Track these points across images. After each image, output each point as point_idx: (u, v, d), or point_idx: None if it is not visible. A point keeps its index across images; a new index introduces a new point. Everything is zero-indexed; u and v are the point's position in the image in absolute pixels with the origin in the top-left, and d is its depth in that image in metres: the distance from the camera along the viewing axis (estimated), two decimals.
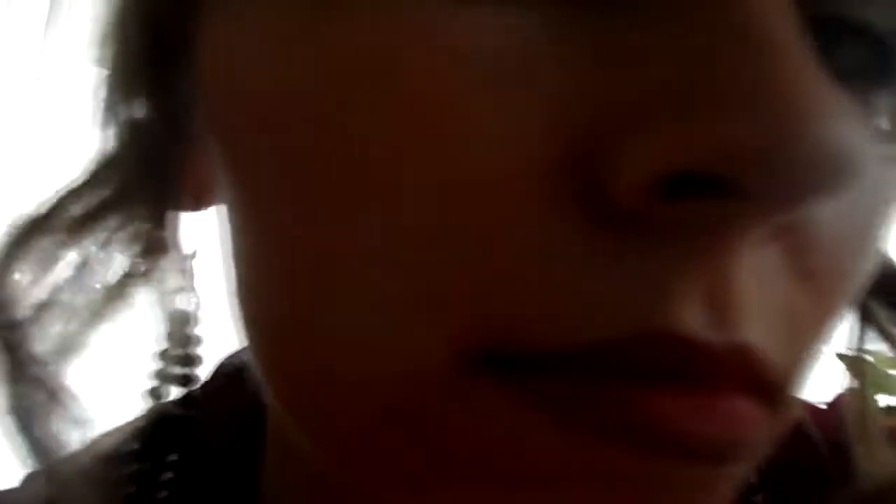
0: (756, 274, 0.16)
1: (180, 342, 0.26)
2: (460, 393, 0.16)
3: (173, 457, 0.28)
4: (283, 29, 0.17)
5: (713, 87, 0.15)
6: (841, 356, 0.49)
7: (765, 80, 0.15)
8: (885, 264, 0.27)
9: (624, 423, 0.16)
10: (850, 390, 0.38)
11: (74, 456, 0.26)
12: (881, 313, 0.28)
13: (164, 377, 0.27)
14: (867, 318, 0.28)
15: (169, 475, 0.28)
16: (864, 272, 0.20)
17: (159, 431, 0.28)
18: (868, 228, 0.19)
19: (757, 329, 0.16)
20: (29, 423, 0.25)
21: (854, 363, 0.34)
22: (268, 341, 0.19)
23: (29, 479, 0.29)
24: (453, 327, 0.16)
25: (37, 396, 0.25)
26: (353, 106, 0.16)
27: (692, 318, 0.16)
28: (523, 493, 0.17)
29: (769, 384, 0.17)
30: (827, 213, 0.17)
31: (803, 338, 0.18)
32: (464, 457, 0.17)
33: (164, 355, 0.26)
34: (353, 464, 0.19)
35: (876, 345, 0.30)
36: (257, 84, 0.18)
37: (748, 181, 0.15)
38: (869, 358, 0.33)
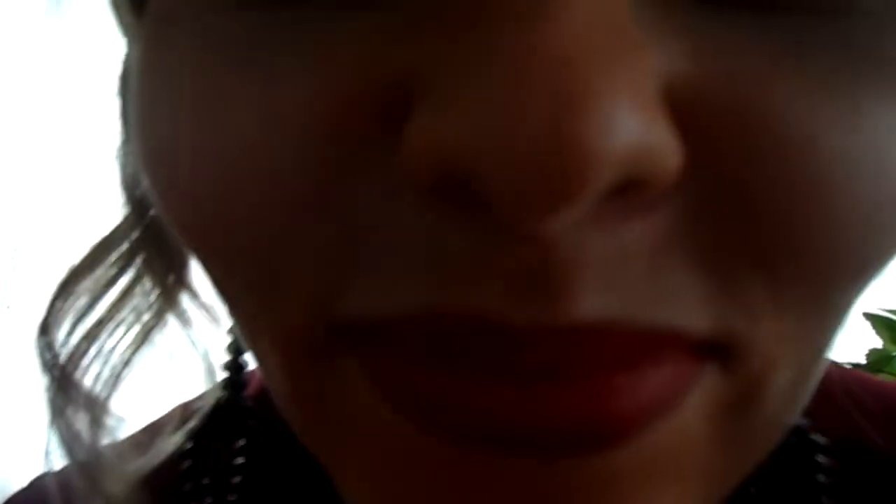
0: (611, 236, 0.14)
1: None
2: (322, 357, 0.16)
3: (241, 442, 0.28)
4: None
5: (447, 63, 0.12)
6: (868, 315, 0.51)
7: (489, 49, 0.12)
8: None
9: (431, 411, 0.15)
10: (875, 350, 0.40)
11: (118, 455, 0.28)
12: None
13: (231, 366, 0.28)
14: None
15: (240, 460, 0.27)
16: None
17: (221, 420, 0.28)
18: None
19: (611, 298, 0.14)
20: (71, 443, 0.28)
21: (881, 323, 0.36)
22: None
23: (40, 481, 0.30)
24: (303, 296, 0.16)
25: (81, 420, 0.28)
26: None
27: (493, 296, 0.14)
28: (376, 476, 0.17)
29: (648, 352, 0.15)
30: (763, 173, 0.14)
31: (736, 285, 0.15)
32: (329, 425, 0.17)
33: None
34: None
35: None
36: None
37: (479, 188, 0.12)
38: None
